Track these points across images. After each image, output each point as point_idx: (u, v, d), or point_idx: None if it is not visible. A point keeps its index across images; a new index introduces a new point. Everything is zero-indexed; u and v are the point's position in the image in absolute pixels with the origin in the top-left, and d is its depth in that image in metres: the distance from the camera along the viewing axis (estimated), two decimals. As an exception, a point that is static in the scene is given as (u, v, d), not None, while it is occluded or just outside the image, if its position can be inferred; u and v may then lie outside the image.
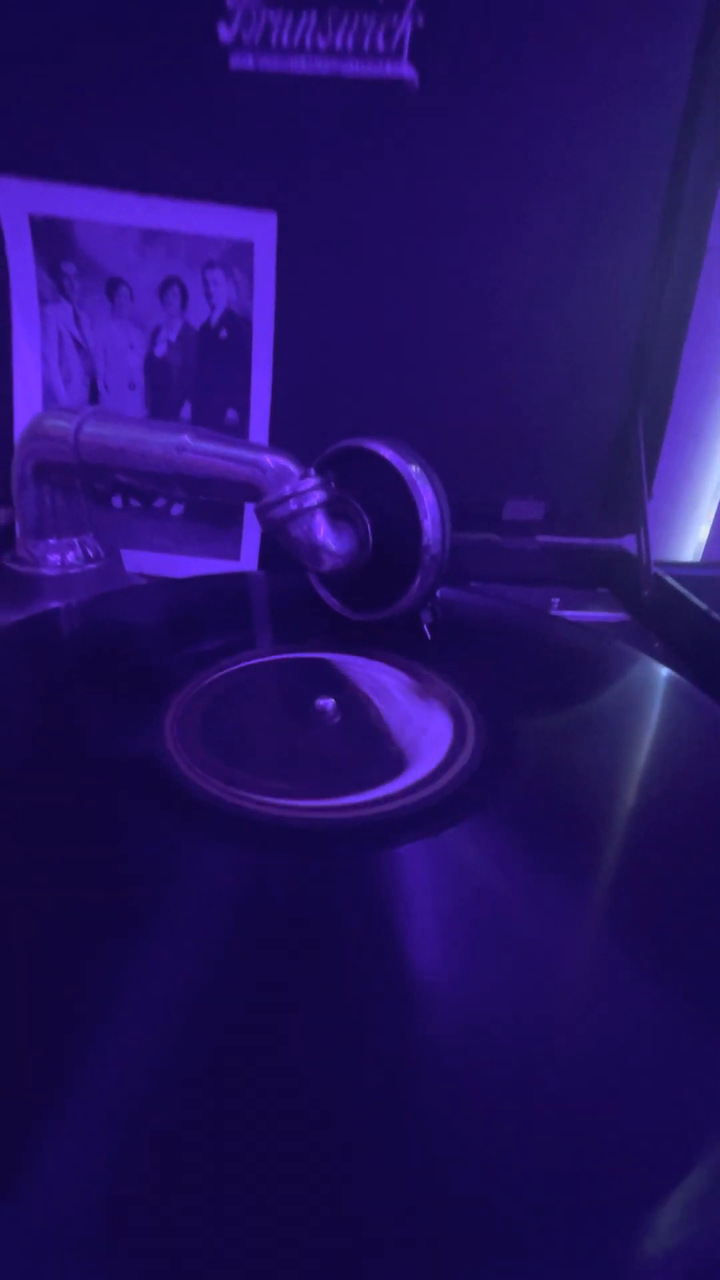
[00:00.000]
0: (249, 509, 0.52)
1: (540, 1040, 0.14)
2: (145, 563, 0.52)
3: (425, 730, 0.25)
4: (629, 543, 0.57)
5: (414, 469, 0.31)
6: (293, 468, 0.30)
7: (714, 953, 0.17)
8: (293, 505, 0.29)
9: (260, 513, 0.30)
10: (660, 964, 0.16)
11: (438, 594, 0.34)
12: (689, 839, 0.21)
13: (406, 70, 0.40)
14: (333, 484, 0.31)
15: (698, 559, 0.71)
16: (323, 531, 0.29)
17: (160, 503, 0.52)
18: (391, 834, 0.20)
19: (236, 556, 0.52)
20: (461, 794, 0.22)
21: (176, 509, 0.52)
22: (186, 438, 0.32)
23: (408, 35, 0.39)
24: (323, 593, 0.36)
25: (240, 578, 0.46)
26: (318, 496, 0.29)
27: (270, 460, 0.30)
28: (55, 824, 0.20)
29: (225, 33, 0.40)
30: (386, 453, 0.31)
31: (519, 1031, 0.14)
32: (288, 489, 0.29)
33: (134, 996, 0.15)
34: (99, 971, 0.15)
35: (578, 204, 0.44)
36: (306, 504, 0.29)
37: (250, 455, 0.31)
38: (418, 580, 0.31)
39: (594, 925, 0.17)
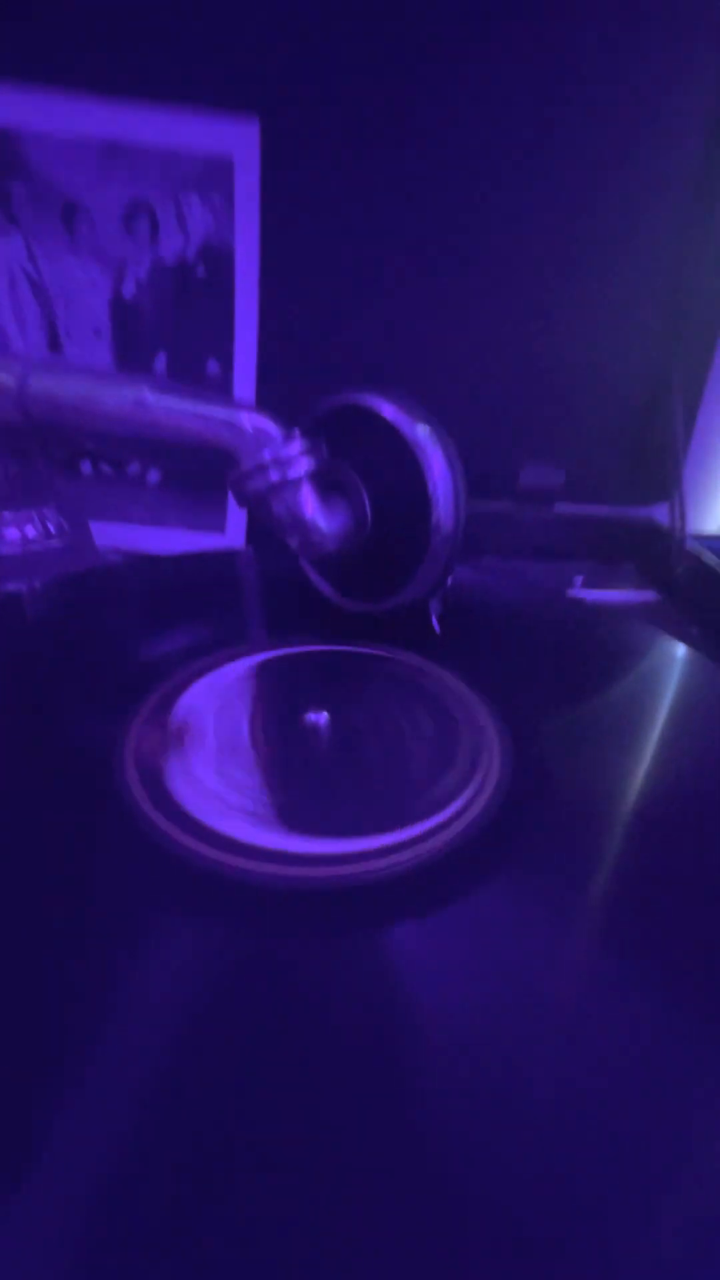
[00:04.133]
0: (235, 475, 0.46)
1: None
2: (119, 536, 0.47)
3: (438, 749, 0.21)
4: (659, 512, 0.52)
5: (421, 431, 0.25)
6: (274, 429, 0.24)
7: None
8: (274, 476, 0.24)
9: (235, 484, 0.24)
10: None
11: (448, 580, 0.28)
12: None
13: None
14: (324, 449, 0.25)
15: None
16: (311, 507, 0.24)
17: (134, 469, 0.46)
18: (381, 901, 0.16)
19: (222, 529, 0.47)
20: (480, 843, 0.17)
21: (153, 475, 0.47)
22: (146, 391, 0.26)
23: None
24: (314, 577, 0.30)
25: (224, 557, 0.41)
26: (304, 465, 0.24)
27: (247, 419, 0.24)
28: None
29: None
30: (388, 410, 0.25)
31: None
32: (268, 455, 0.24)
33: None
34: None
35: (613, 130, 0.38)
36: (291, 474, 0.23)
37: (223, 413, 0.25)
38: (426, 561, 0.26)
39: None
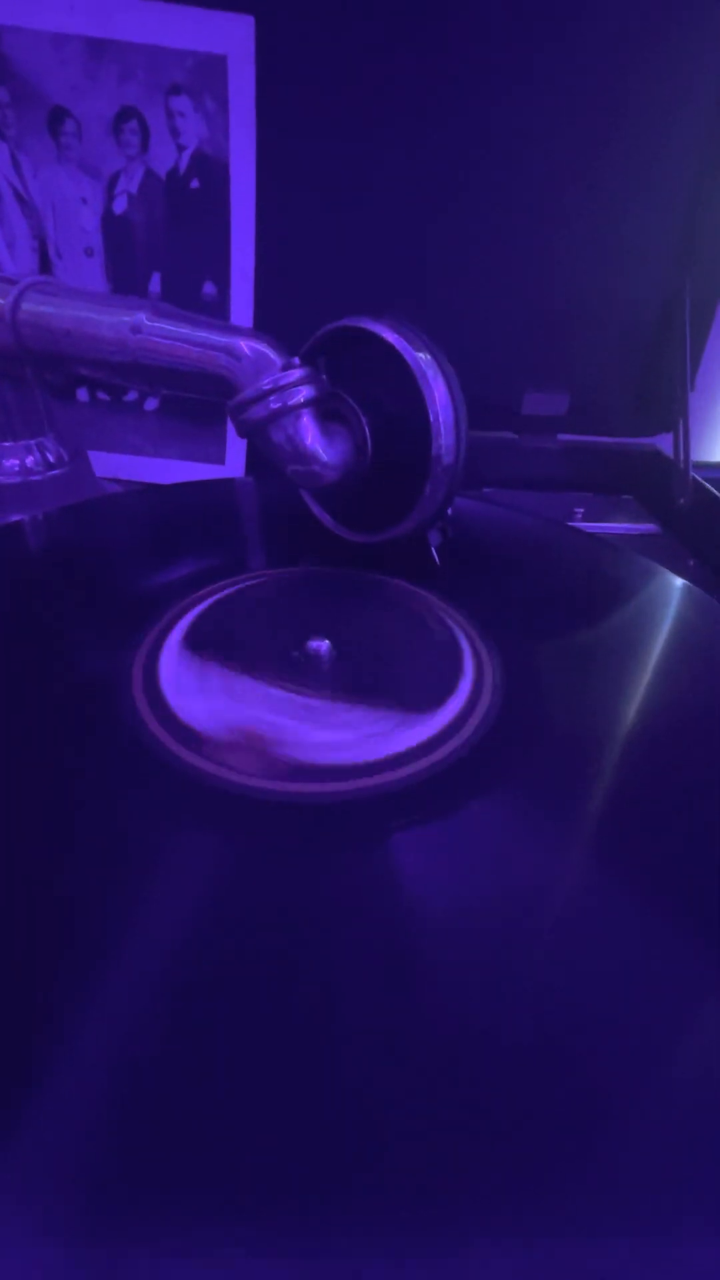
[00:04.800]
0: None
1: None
2: (118, 466, 0.47)
3: (435, 672, 0.22)
4: (662, 442, 0.51)
5: (423, 356, 0.25)
6: (274, 355, 0.24)
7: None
8: (274, 403, 0.23)
9: (234, 412, 0.24)
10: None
11: (449, 511, 0.29)
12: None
13: None
14: (323, 377, 0.25)
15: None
16: (311, 436, 0.24)
17: (132, 396, 0.46)
18: (387, 814, 0.17)
19: (221, 459, 0.46)
20: (476, 759, 0.18)
21: (151, 403, 0.46)
22: (143, 316, 0.26)
23: None
24: (314, 508, 0.31)
25: (223, 486, 0.40)
26: (305, 393, 0.23)
27: (246, 345, 0.24)
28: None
29: None
30: (389, 335, 0.25)
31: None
32: (267, 383, 0.23)
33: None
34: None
35: (629, 42, 0.35)
36: (290, 401, 0.23)
37: (221, 339, 0.25)
38: (427, 492, 0.26)
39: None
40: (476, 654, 0.23)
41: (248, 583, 0.27)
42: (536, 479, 0.51)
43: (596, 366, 0.47)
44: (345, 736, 0.19)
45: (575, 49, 0.36)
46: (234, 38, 0.34)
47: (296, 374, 0.23)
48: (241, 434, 0.25)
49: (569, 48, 0.36)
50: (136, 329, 0.26)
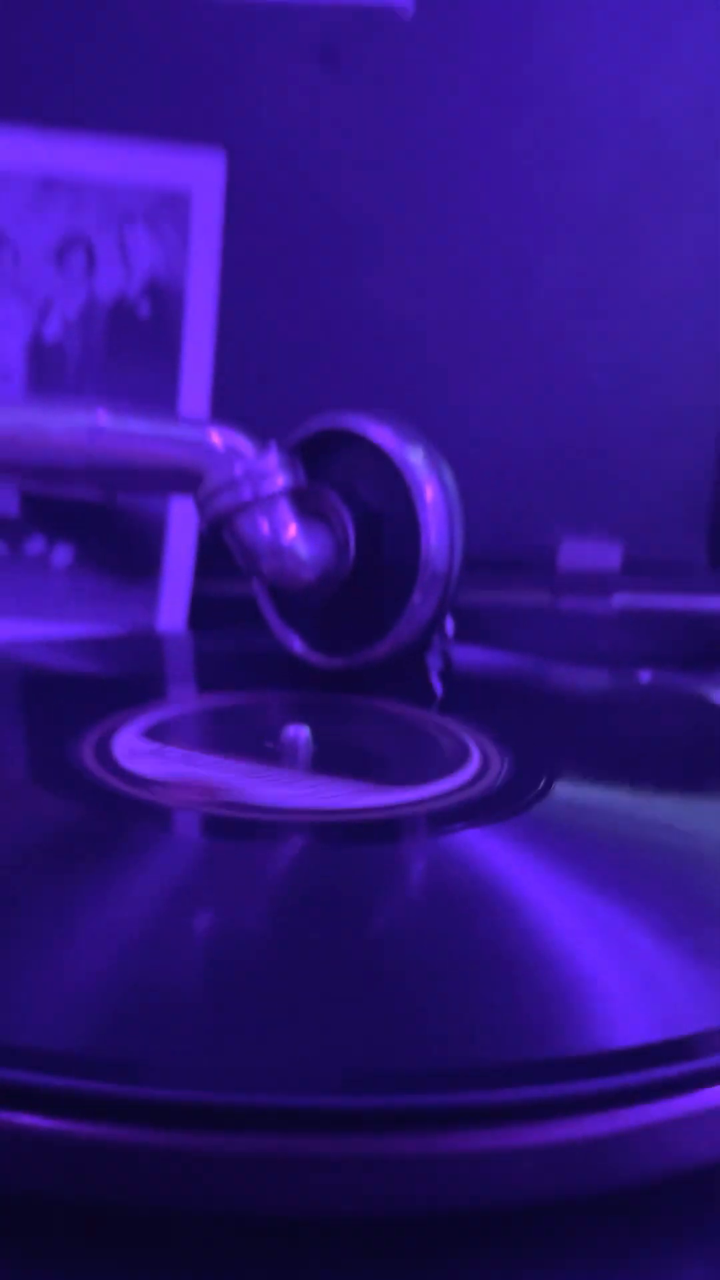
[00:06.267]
0: (169, 555, 0.57)
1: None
2: (14, 636, 0.57)
3: (430, 765, 0.30)
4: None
5: (413, 453, 0.37)
6: (247, 444, 0.35)
7: None
8: (246, 493, 0.34)
9: (203, 505, 0.35)
10: None
11: (448, 630, 0.39)
12: None
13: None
14: (301, 471, 0.36)
15: None
16: (288, 527, 0.34)
17: (36, 548, 0.57)
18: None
19: (150, 624, 0.57)
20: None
21: (60, 557, 0.57)
22: (103, 415, 0.38)
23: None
24: (278, 628, 0.40)
25: (153, 640, 0.51)
26: (282, 480, 0.34)
27: (218, 436, 0.35)
28: None
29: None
30: (372, 427, 0.37)
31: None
32: (240, 469, 0.34)
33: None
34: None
35: (638, 144, 0.54)
36: (265, 488, 0.34)
37: (191, 433, 0.36)
38: (415, 600, 0.36)
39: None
40: (485, 755, 0.31)
41: (214, 702, 0.36)
42: (590, 652, 0.53)
43: (655, 502, 0.56)
44: (304, 791, 0.27)
45: (581, 161, 0.54)
46: (201, 175, 0.52)
47: (272, 460, 0.34)
48: (209, 529, 0.35)
49: (571, 158, 0.54)
50: (96, 432, 0.37)
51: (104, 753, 0.29)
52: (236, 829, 0.26)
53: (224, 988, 0.19)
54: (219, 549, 0.50)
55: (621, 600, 0.56)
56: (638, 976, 0.20)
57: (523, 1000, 0.19)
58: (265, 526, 0.34)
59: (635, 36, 0.53)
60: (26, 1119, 0.14)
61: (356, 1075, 0.16)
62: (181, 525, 0.54)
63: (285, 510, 0.35)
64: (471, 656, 0.43)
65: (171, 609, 0.56)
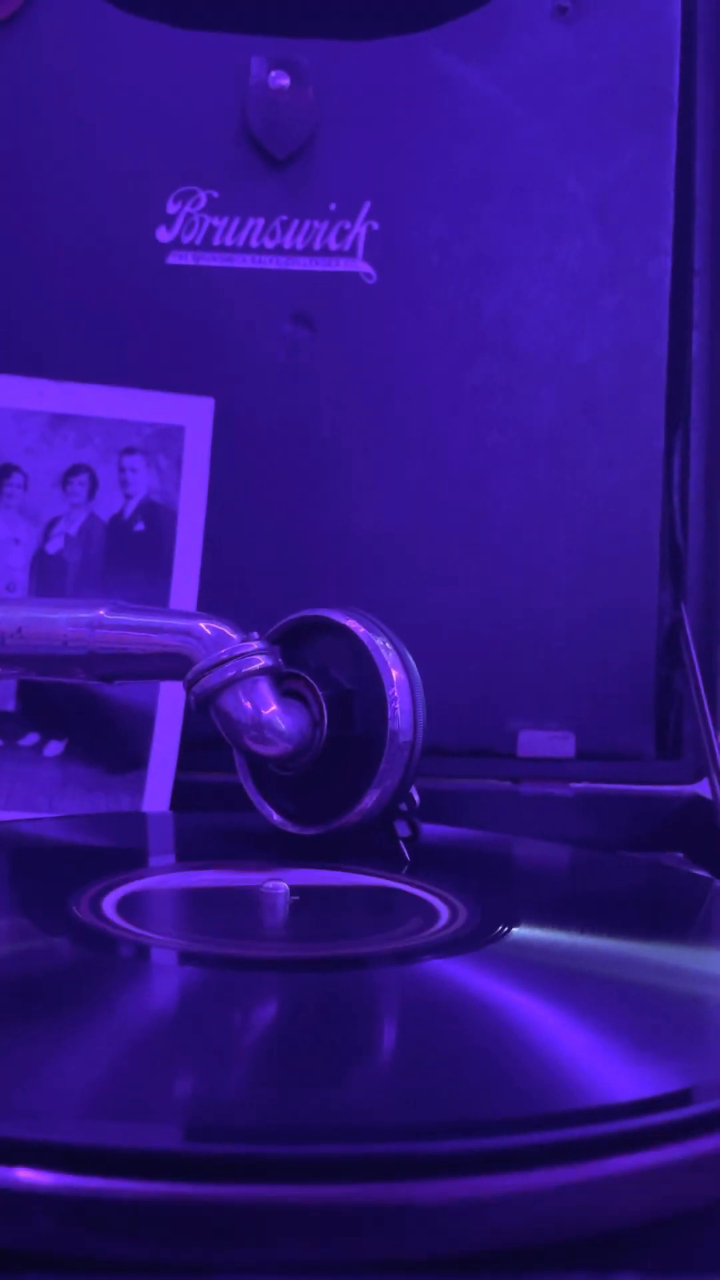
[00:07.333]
0: (157, 748, 0.61)
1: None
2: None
3: (400, 923, 0.33)
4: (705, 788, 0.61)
5: (380, 640, 0.41)
6: (231, 632, 0.40)
7: None
8: (229, 671, 0.38)
9: (190, 684, 0.39)
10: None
11: (415, 799, 0.42)
12: None
13: (362, 266, 0.60)
14: (280, 658, 0.41)
15: None
16: (267, 703, 0.38)
17: (29, 740, 0.61)
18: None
19: (137, 809, 0.60)
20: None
21: (52, 748, 0.61)
22: (104, 613, 0.42)
23: (362, 238, 0.60)
24: (257, 800, 0.44)
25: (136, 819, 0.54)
26: (262, 660, 0.39)
27: (205, 626, 0.40)
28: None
29: (164, 235, 0.60)
30: (344, 619, 0.42)
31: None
32: (224, 653, 0.39)
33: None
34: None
35: (574, 387, 0.62)
36: (246, 667, 0.38)
37: (181, 623, 0.41)
38: (382, 768, 0.40)
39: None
40: (454, 909, 0.34)
41: (192, 871, 0.39)
42: (551, 834, 0.55)
43: (603, 696, 0.62)
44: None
45: (527, 396, 0.62)
46: (193, 414, 0.59)
47: (254, 645, 0.39)
48: (197, 707, 0.39)
49: (519, 393, 0.62)
50: (96, 624, 0.42)
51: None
52: (230, 963, 0.28)
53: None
54: (198, 742, 0.55)
55: (577, 786, 0.61)
56: (574, 1054, 0.23)
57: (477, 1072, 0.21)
58: (247, 703, 0.38)
59: (570, 295, 0.62)
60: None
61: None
62: (168, 717, 0.58)
63: (265, 689, 0.39)
64: (439, 831, 0.46)
65: (156, 794, 0.59)
